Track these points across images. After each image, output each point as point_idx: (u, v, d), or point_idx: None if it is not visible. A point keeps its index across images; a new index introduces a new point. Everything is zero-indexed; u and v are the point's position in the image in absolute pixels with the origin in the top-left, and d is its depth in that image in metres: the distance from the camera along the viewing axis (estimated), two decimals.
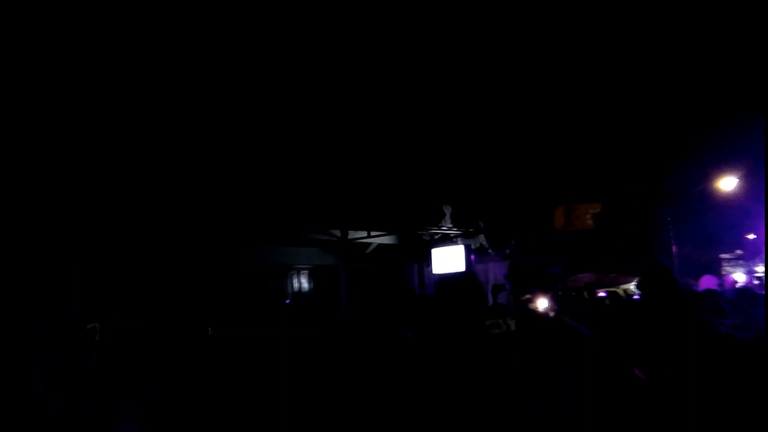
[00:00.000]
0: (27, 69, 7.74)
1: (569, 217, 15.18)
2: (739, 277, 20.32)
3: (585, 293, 11.36)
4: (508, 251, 15.28)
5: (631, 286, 16.03)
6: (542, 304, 3.03)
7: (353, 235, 13.22)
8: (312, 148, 10.97)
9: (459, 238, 14.37)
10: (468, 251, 12.53)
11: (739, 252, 24.63)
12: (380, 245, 13.87)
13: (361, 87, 11.10)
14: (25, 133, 7.98)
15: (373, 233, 13.27)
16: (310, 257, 13.30)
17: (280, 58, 10.25)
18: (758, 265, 24.18)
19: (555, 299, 3.39)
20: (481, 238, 15.48)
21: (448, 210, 14.46)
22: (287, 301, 12.80)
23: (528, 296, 3.13)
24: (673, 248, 16.07)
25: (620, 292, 13.57)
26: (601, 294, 11.67)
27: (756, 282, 14.17)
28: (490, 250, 15.49)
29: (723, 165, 15.54)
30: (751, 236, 24.95)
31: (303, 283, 13.82)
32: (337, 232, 13.08)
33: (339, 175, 11.52)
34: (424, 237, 14.32)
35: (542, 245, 14.90)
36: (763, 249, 25.16)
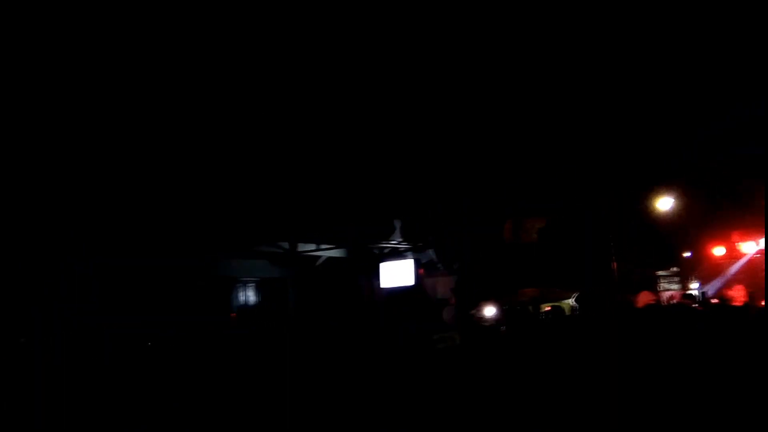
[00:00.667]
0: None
1: (517, 231, 15.53)
2: (675, 293, 21.17)
3: (530, 307, 11.54)
4: (456, 266, 15.42)
5: (570, 301, 16.45)
6: (489, 315, 3.03)
7: (302, 247, 13.05)
8: (260, 158, 10.75)
9: (409, 252, 14.41)
10: (417, 266, 12.57)
11: (675, 269, 25.77)
12: (330, 258, 13.75)
13: (308, 97, 10.98)
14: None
15: (322, 246, 13.14)
16: (257, 269, 13.04)
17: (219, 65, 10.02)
18: (693, 282, 25.33)
19: (501, 312, 3.41)
20: (431, 252, 15.57)
21: (398, 224, 14.49)
22: (232, 314, 12.50)
23: (474, 310, 3.13)
24: (613, 265, 16.56)
25: (564, 306, 13.87)
26: (546, 308, 11.88)
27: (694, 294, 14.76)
28: (439, 265, 15.59)
29: (661, 185, 16.20)
30: (687, 254, 26.17)
31: (249, 295, 13.53)
32: (286, 245, 12.88)
33: (288, 187, 11.34)
34: (374, 251, 14.28)
35: (492, 258, 15.15)
36: (696, 267, 26.47)
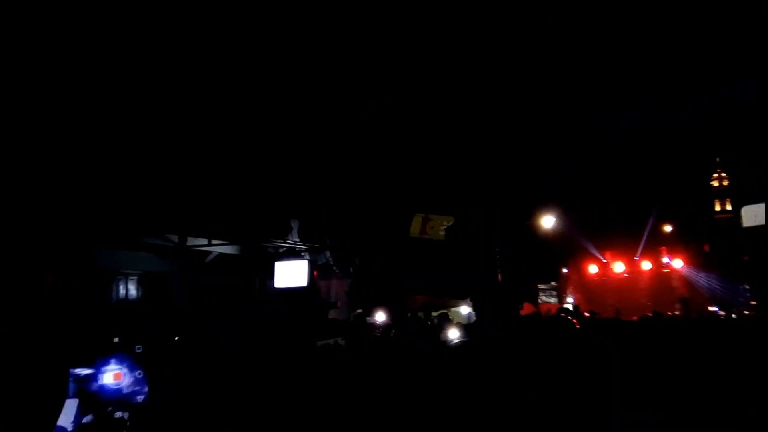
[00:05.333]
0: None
1: (425, 227, 15.91)
2: (552, 306, 22.61)
3: (420, 314, 11.81)
4: (351, 269, 15.47)
5: (461, 310, 17.07)
6: (379, 318, 3.01)
7: (192, 242, 12.45)
8: (152, 146, 10.12)
9: (305, 253, 14.22)
10: (311, 267, 12.42)
11: (553, 283, 27.63)
12: (221, 254, 13.24)
13: (209, 87, 10.56)
14: None
15: (214, 242, 12.62)
16: (140, 262, 12.26)
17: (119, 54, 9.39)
18: (569, 296, 27.28)
19: (391, 316, 3.42)
20: (328, 254, 15.49)
21: (295, 224, 14.27)
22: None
23: (360, 311, 3.11)
24: (499, 276, 17.45)
25: (453, 314, 14.36)
26: (434, 314, 12.23)
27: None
28: (335, 267, 15.55)
29: (545, 204, 17.28)
30: (564, 270, 28.12)
31: (131, 290, 12.68)
32: (175, 238, 12.23)
33: (180, 177, 10.76)
34: (268, 249, 13.95)
35: (389, 258, 15.35)
36: (572, 283, 28.54)
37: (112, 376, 2.65)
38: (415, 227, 15.61)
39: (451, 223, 15.65)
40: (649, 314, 13.51)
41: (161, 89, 10.14)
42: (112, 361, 2.67)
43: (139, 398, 2.74)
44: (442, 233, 15.48)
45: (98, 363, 2.66)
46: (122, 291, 12.52)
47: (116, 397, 2.64)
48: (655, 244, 27.51)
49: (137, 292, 12.74)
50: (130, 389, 2.71)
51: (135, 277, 12.61)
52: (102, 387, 2.63)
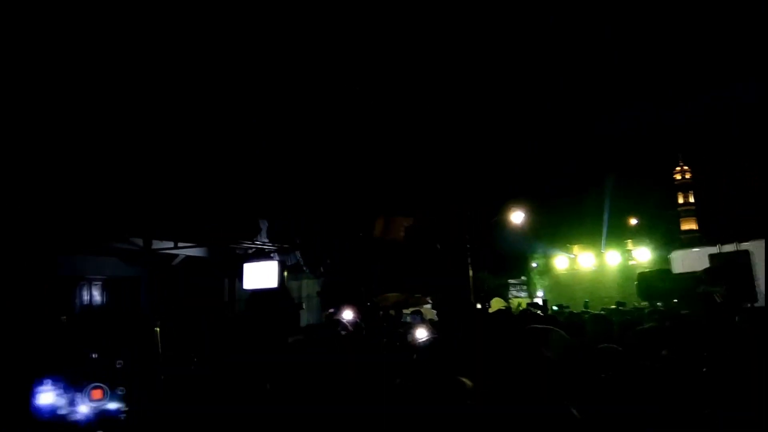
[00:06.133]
0: None
1: (387, 228, 15.91)
2: (523, 301, 22.88)
3: (391, 311, 11.80)
4: (322, 269, 15.36)
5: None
6: (347, 317, 2.97)
7: (158, 245, 12.18)
8: (112, 146, 9.87)
9: (275, 254, 14.06)
10: (282, 268, 12.26)
11: (524, 278, 28.00)
12: (188, 257, 12.99)
13: (173, 87, 10.35)
14: None
15: (180, 244, 12.37)
16: (105, 267, 11.95)
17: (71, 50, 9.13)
18: (538, 291, 27.67)
19: (361, 315, 3.37)
20: (298, 254, 15.35)
21: (264, 225, 14.09)
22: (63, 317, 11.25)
23: (332, 310, 3.06)
24: (470, 272, 17.58)
25: (424, 311, 14.37)
26: (406, 312, 12.22)
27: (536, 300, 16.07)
28: (305, 268, 15.42)
29: (514, 199, 17.48)
30: (534, 264, 28.52)
31: (95, 296, 12.36)
32: (140, 241, 11.95)
33: (144, 179, 10.52)
34: (237, 251, 13.75)
35: (358, 259, 15.32)
36: (542, 277, 28.97)
37: (51, 396, 2.51)
38: (378, 228, 15.64)
39: (409, 224, 15.72)
40: (612, 306, 13.81)
41: (122, 90, 9.91)
42: (48, 381, 2.53)
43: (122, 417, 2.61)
44: (402, 234, 15.54)
45: (34, 383, 2.52)
46: (86, 297, 12.20)
47: (54, 419, 2.50)
48: (621, 238, 28.12)
49: (102, 298, 12.43)
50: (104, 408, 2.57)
51: (99, 283, 12.30)
52: (38, 409, 2.49)
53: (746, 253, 4.30)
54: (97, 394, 2.62)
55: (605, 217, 26.74)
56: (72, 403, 2.56)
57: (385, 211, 15.77)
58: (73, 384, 2.58)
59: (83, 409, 2.55)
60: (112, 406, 2.63)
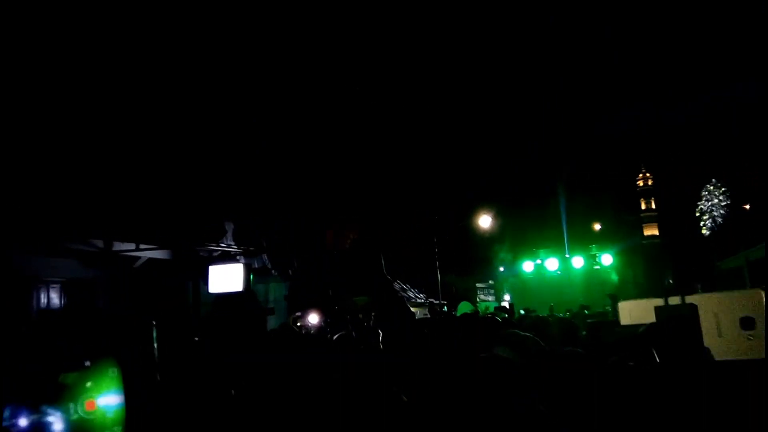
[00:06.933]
0: None
1: (337, 239, 16.01)
2: (490, 304, 23.04)
3: (360, 315, 11.69)
4: (290, 272, 15.18)
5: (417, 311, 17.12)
6: (313, 321, 2.89)
7: (119, 246, 11.83)
8: (73, 143, 9.55)
9: (241, 257, 13.83)
10: (247, 270, 12.05)
11: (491, 282, 28.28)
12: (150, 259, 12.66)
13: (137, 85, 10.09)
14: None
15: (142, 246, 12.04)
16: (63, 269, 11.54)
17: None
18: (506, 294, 27.95)
19: (327, 319, 3.29)
20: (265, 257, 15.13)
21: (230, 227, 13.85)
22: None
23: (299, 313, 2.98)
24: (438, 275, 17.66)
25: None
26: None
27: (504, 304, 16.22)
28: (273, 271, 15.22)
29: (482, 204, 17.63)
30: (501, 268, 28.83)
31: (53, 298, 11.93)
32: (100, 243, 11.59)
33: (104, 178, 10.20)
34: (201, 253, 13.47)
35: (321, 265, 15.23)
36: (509, 281, 29.32)
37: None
38: (330, 239, 15.78)
39: (355, 236, 15.81)
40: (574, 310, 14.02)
41: (84, 87, 9.62)
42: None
43: None
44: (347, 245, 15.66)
45: None
46: (43, 300, 11.77)
47: None
48: (585, 242, 28.66)
49: (60, 301, 12.01)
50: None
51: (57, 285, 11.88)
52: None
53: (693, 307, 4.33)
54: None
55: (563, 222, 27.27)
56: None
57: (335, 222, 15.84)
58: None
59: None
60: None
